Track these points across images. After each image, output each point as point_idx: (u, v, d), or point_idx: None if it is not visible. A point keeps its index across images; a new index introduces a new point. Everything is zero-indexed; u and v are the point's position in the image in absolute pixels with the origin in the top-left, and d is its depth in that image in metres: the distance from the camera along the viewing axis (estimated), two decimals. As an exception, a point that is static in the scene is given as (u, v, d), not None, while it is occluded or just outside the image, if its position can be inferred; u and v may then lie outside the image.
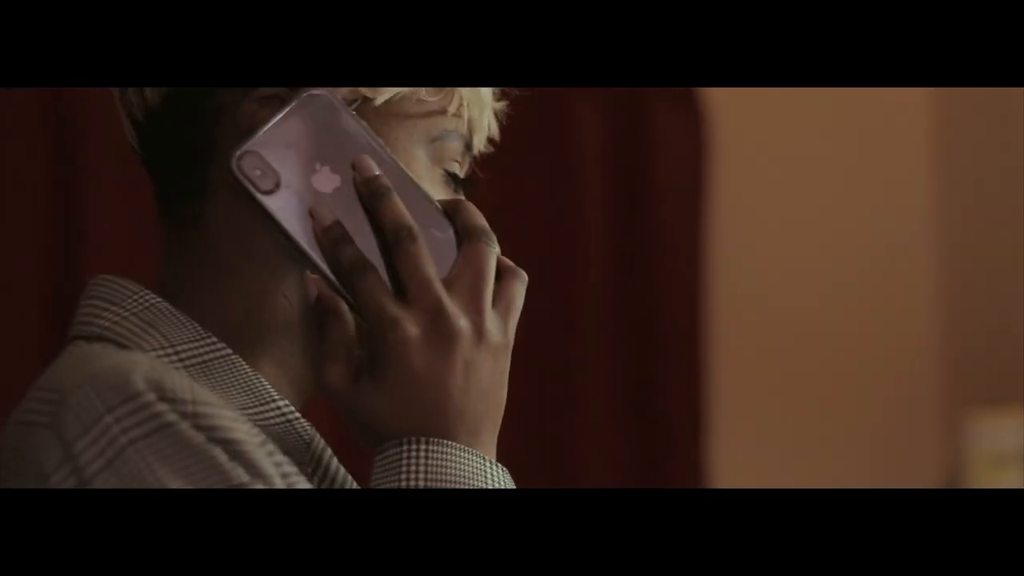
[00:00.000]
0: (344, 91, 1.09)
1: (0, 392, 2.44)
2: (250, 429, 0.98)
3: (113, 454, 0.95)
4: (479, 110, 1.14)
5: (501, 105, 1.17)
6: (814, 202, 3.06)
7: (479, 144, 1.15)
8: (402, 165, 1.08)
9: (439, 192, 1.12)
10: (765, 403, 3.02)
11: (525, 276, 1.10)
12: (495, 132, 1.17)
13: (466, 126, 1.13)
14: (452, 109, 1.12)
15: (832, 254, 3.06)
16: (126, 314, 1.08)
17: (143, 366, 0.97)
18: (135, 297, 1.09)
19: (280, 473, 0.98)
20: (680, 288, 2.88)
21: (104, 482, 0.95)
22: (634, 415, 2.86)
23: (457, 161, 1.13)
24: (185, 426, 0.96)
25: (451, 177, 1.13)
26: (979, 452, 2.76)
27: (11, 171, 2.49)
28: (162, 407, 0.96)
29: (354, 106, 1.09)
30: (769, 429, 3.01)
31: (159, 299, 1.09)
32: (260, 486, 0.96)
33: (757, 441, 3.00)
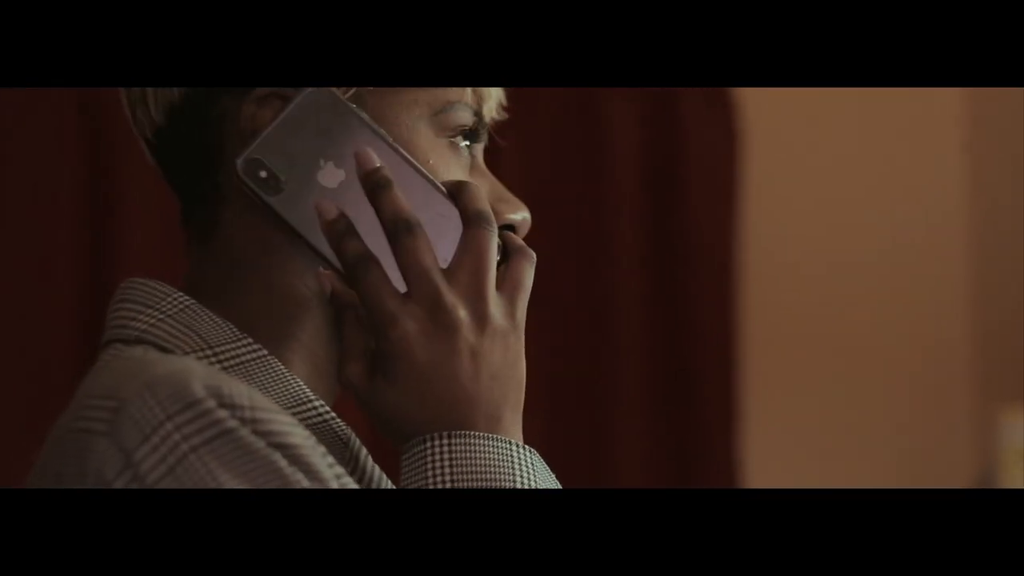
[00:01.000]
0: None
1: (35, 394, 2.48)
2: (304, 432, 0.97)
3: (174, 461, 0.94)
4: None
5: None
6: (845, 200, 3.06)
7: (490, 112, 1.14)
8: (404, 153, 1.08)
9: (451, 164, 1.11)
10: (796, 400, 3.02)
11: (534, 256, 1.09)
12: (503, 98, 1.16)
13: (470, 95, 1.12)
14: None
15: (863, 252, 3.06)
16: (162, 316, 1.08)
17: (200, 372, 0.96)
18: (168, 299, 1.09)
19: (334, 474, 0.97)
20: (712, 287, 2.89)
21: None
22: (667, 410, 2.87)
23: (467, 129, 1.12)
24: (245, 432, 0.95)
25: (463, 142, 1.12)
26: (1011, 447, 2.75)
27: (43, 177, 2.50)
28: (222, 413, 0.95)
29: (351, 92, 1.09)
30: (800, 426, 3.01)
31: (192, 300, 1.09)
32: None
33: (788, 437, 3.01)
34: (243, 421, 0.95)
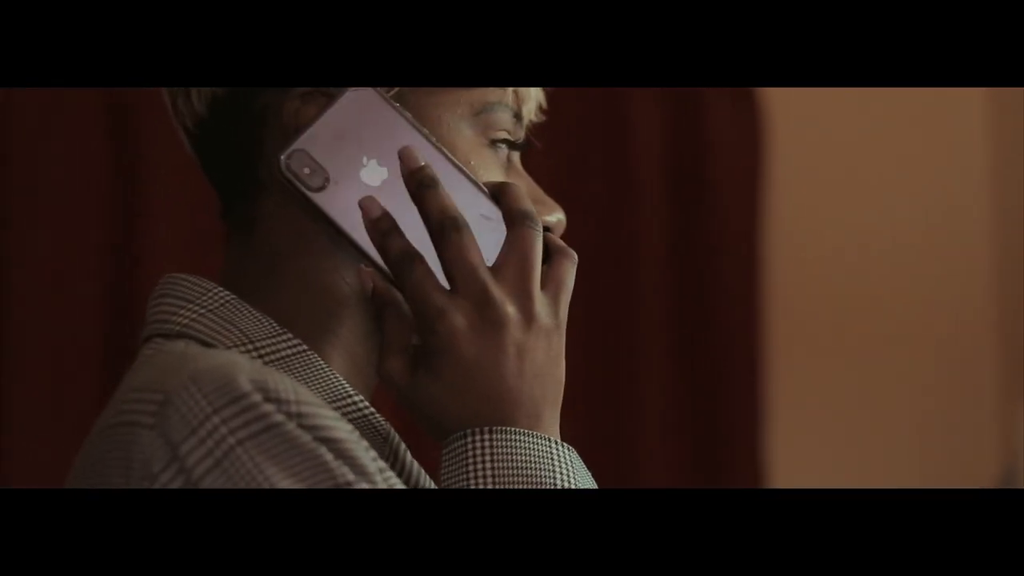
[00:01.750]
0: None
1: (62, 393, 2.49)
2: (348, 427, 0.98)
3: (221, 454, 0.94)
4: None
5: None
6: (869, 200, 3.06)
7: (529, 113, 1.15)
8: (447, 153, 1.08)
9: (490, 164, 1.12)
10: (820, 400, 3.02)
11: (575, 256, 1.10)
12: (543, 101, 1.17)
13: (511, 96, 1.13)
14: None
15: (887, 251, 3.05)
16: (202, 311, 1.08)
17: (245, 367, 0.97)
18: (209, 294, 1.09)
19: (378, 468, 0.98)
20: (736, 287, 2.89)
21: (212, 483, 0.94)
22: (692, 410, 2.87)
23: (507, 131, 1.13)
24: (292, 426, 0.95)
25: (502, 143, 1.13)
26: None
27: (70, 176, 2.50)
28: (268, 407, 0.95)
29: (394, 91, 1.09)
30: (825, 425, 3.01)
31: (232, 295, 1.09)
32: (364, 484, 0.96)
33: (812, 437, 3.00)
34: (289, 415, 0.96)
